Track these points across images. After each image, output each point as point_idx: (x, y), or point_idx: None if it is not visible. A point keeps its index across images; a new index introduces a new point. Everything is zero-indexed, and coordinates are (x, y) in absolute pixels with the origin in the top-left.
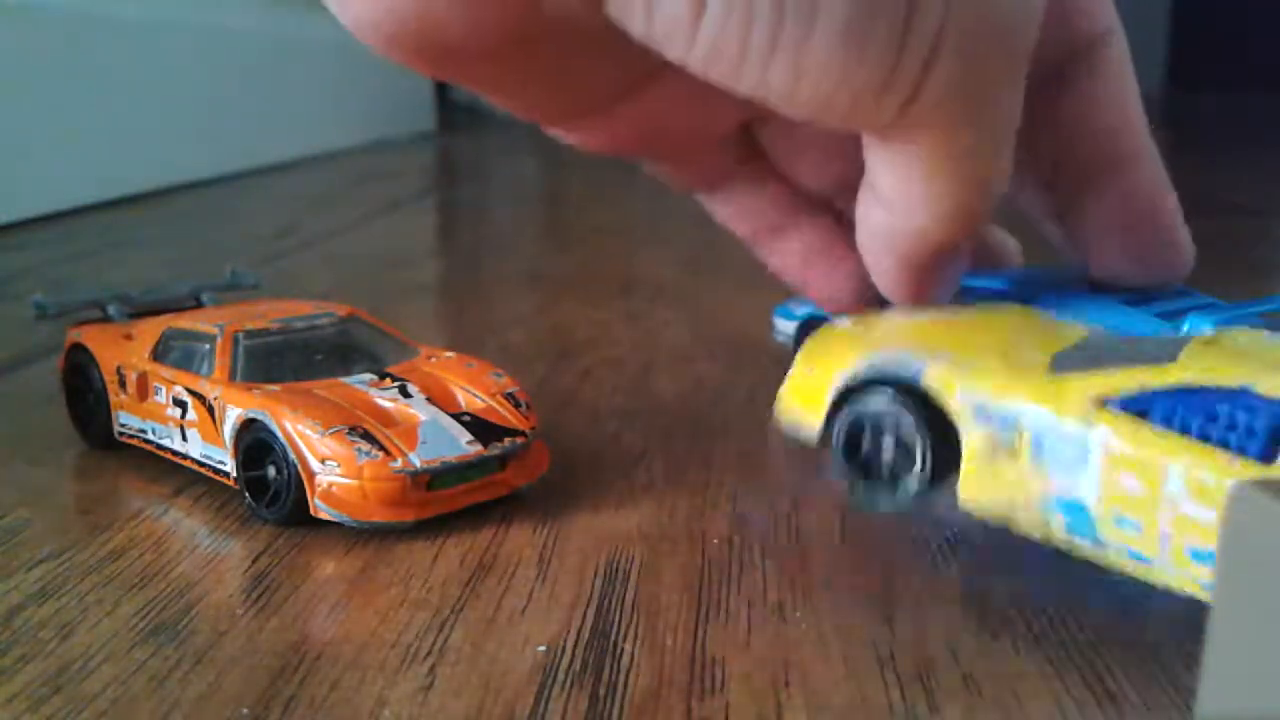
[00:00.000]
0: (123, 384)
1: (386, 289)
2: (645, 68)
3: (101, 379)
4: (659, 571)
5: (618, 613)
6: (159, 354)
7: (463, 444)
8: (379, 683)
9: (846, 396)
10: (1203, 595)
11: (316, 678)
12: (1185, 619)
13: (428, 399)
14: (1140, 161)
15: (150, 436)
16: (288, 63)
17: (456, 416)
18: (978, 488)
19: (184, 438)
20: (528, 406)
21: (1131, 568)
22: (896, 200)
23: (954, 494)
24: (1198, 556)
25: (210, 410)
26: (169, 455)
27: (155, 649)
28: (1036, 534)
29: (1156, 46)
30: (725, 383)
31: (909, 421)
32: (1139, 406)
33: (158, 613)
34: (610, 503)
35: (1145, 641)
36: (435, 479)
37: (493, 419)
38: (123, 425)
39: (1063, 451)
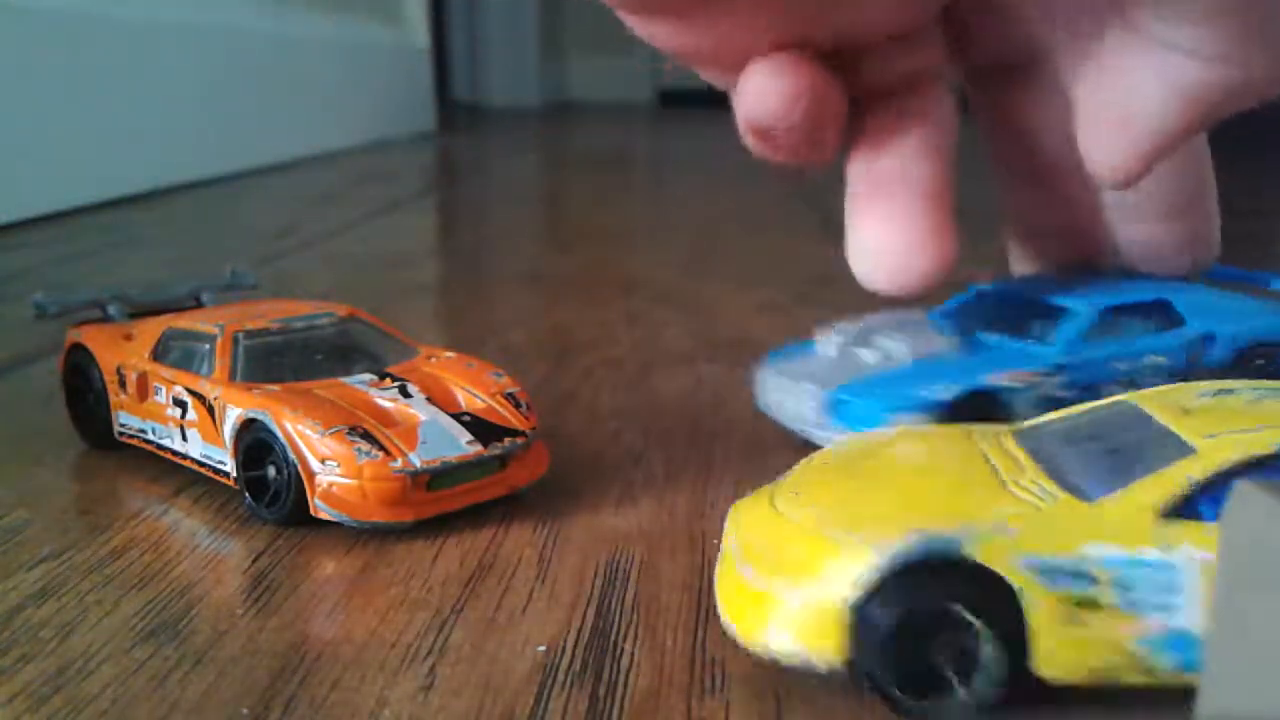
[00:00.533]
0: (123, 384)
1: (386, 289)
2: None
3: (101, 379)
4: (659, 571)
5: (618, 613)
6: (159, 354)
7: (463, 444)
8: (379, 683)
9: (865, 603)
10: None
11: (316, 678)
12: None
13: (428, 399)
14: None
15: (150, 436)
16: (288, 63)
17: (456, 416)
18: (1063, 654)
19: (184, 438)
20: (528, 406)
21: None
22: (1208, 44)
23: (1030, 671)
24: None
25: (210, 410)
26: (169, 455)
27: (155, 649)
28: (1143, 680)
29: None
30: (725, 383)
31: (966, 611)
32: (1192, 508)
33: (158, 613)
34: (610, 503)
35: None
36: (435, 479)
37: (493, 419)
38: (123, 425)
39: (1150, 585)
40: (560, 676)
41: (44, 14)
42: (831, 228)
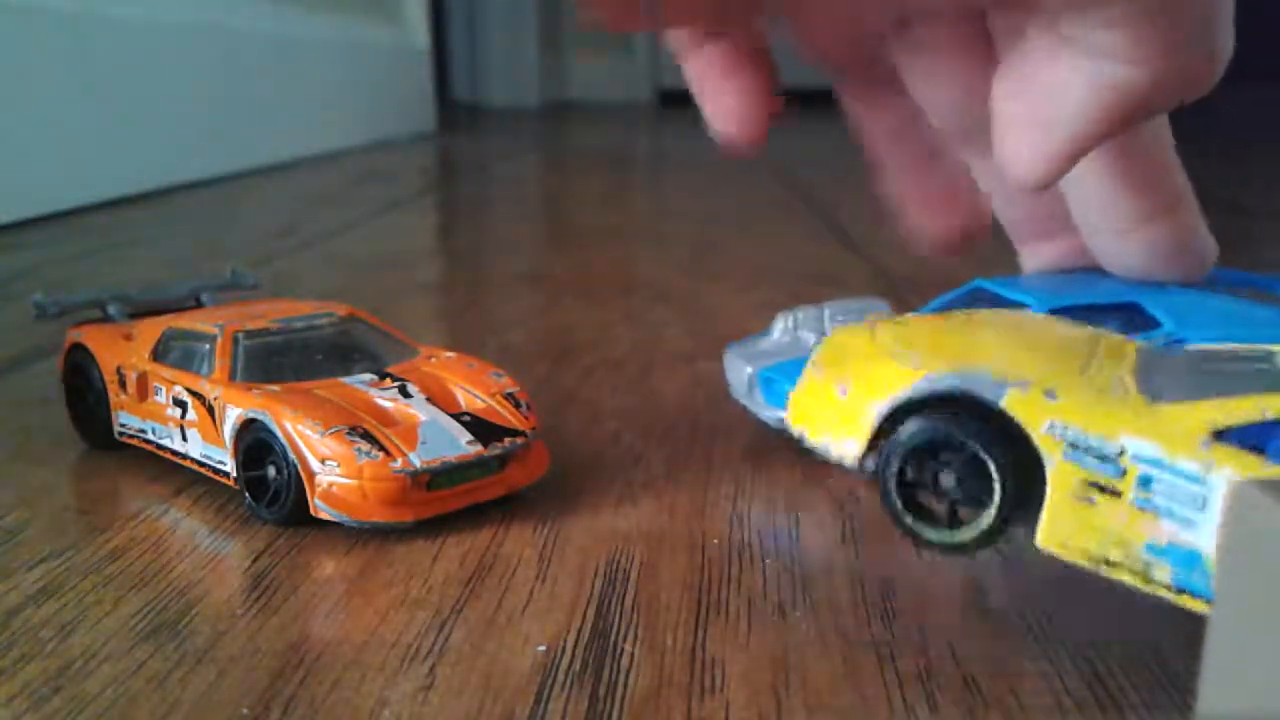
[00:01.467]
0: (123, 384)
1: (386, 289)
2: None
3: (101, 379)
4: (659, 571)
5: (618, 613)
6: (159, 354)
7: (463, 444)
8: (379, 683)
9: (899, 417)
10: None
11: (316, 678)
12: (1185, 619)
13: (428, 399)
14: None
15: (150, 436)
16: (288, 63)
17: (456, 416)
18: (1067, 530)
19: (184, 438)
20: (528, 407)
21: None
22: (1124, 47)
23: (1031, 535)
24: None
25: (210, 410)
26: (169, 455)
27: (155, 649)
28: (1133, 582)
29: None
30: (725, 383)
31: (987, 451)
32: (1255, 439)
33: (158, 613)
34: (610, 503)
35: (1145, 641)
36: (435, 479)
37: (493, 419)
38: (123, 425)
39: (1176, 493)
40: (560, 676)
41: (44, 14)
42: (832, 228)
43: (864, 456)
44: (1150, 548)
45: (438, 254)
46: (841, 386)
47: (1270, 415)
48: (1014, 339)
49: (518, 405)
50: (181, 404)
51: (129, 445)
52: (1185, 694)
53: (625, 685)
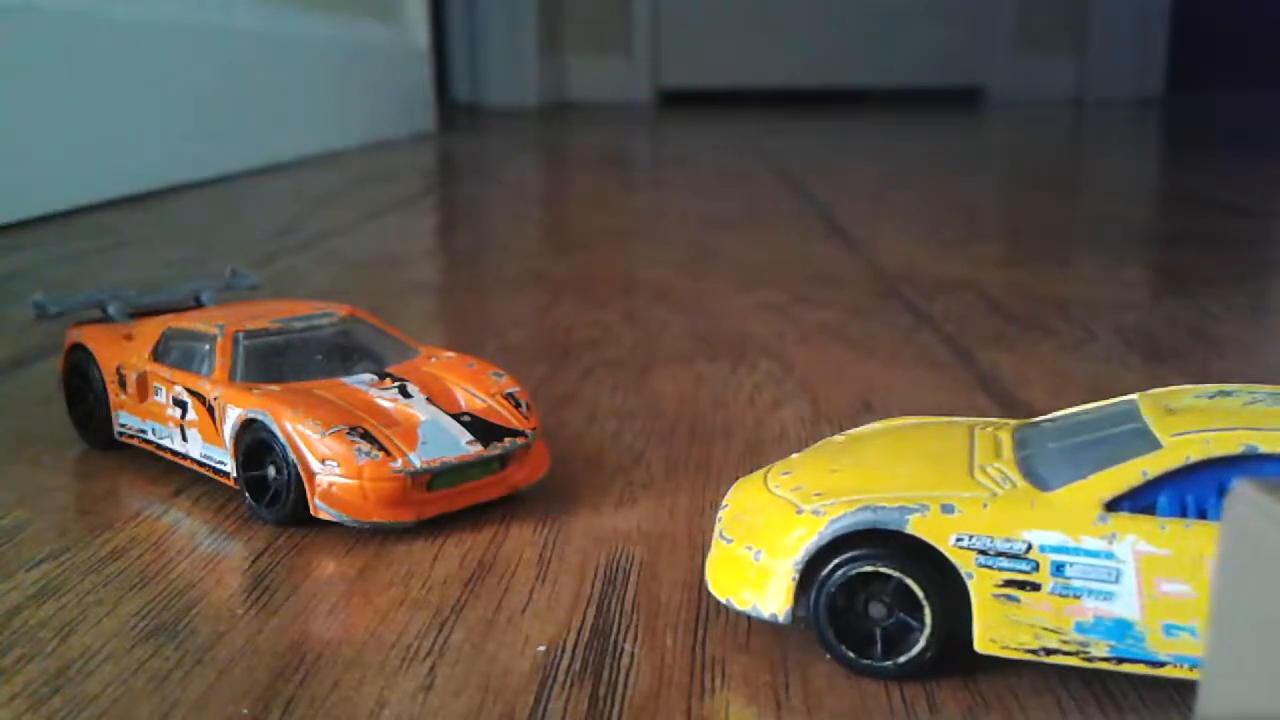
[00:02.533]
0: (123, 384)
1: (386, 289)
2: None
3: (101, 379)
4: (659, 571)
5: (618, 613)
6: (159, 354)
7: (463, 444)
8: (379, 683)
9: (814, 563)
10: None
11: (316, 678)
12: None
13: (428, 399)
14: None
15: (150, 436)
16: (288, 63)
17: (456, 417)
18: (1000, 631)
19: (184, 438)
20: (528, 407)
21: (1191, 675)
22: None
23: (969, 644)
24: None
25: (210, 410)
26: (169, 455)
27: (155, 649)
28: (1076, 663)
29: (1157, 47)
30: (725, 383)
31: (907, 580)
32: (1145, 502)
33: (158, 613)
34: (610, 503)
35: None
36: (435, 479)
37: (493, 419)
38: (123, 425)
39: (1090, 572)
40: (560, 676)
41: (44, 14)
42: (832, 228)
43: (795, 609)
44: (1080, 627)
45: (438, 254)
46: (755, 552)
47: (1149, 475)
48: (898, 457)
49: (518, 405)
50: (181, 404)
51: (129, 445)
52: (1185, 694)
53: (625, 685)
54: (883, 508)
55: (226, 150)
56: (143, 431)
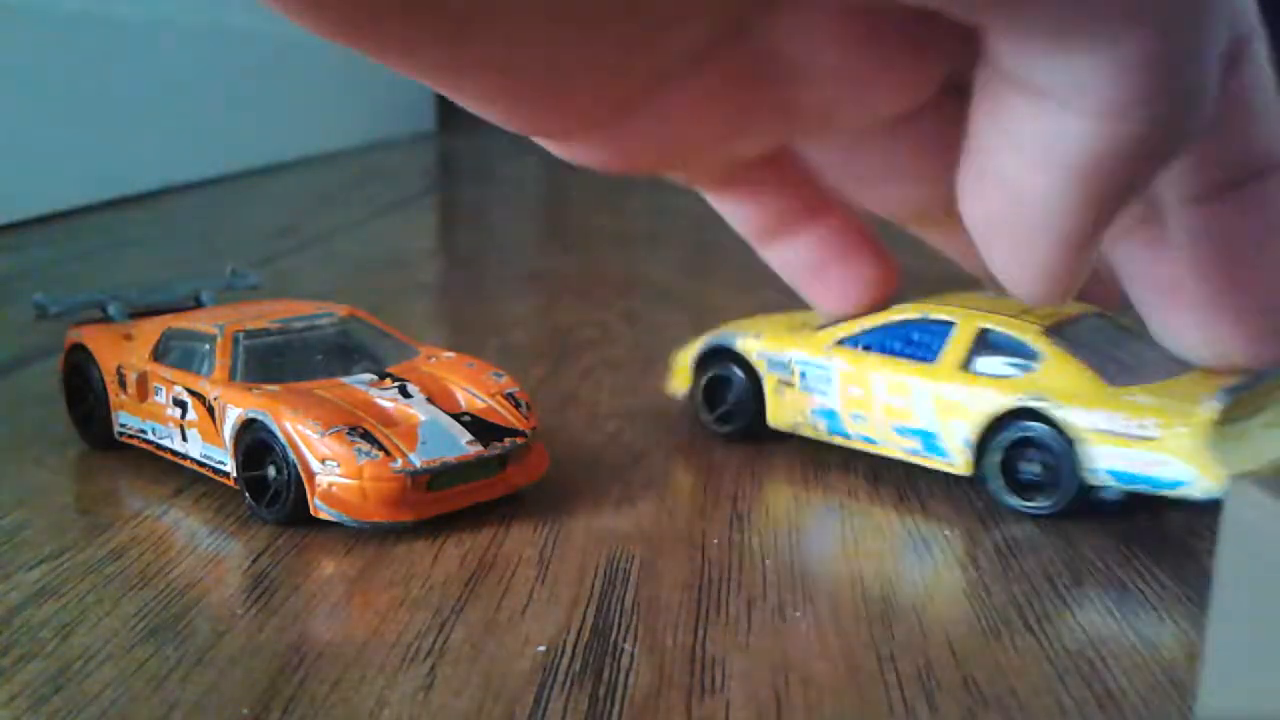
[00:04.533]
0: (123, 384)
1: (386, 289)
2: (666, 63)
3: (101, 379)
4: (659, 571)
5: (618, 613)
6: (159, 354)
7: (463, 444)
8: (379, 683)
9: (701, 365)
10: (907, 458)
11: (316, 678)
12: (1185, 617)
13: (428, 399)
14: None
15: (150, 436)
16: (288, 63)
17: (456, 416)
18: (775, 412)
19: (184, 438)
20: (528, 407)
21: (863, 447)
22: (1098, 98)
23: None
24: (900, 431)
25: (210, 410)
26: (169, 455)
27: (155, 649)
28: (811, 435)
29: None
30: None
31: (738, 374)
32: (859, 341)
33: (158, 613)
34: (610, 503)
35: (1145, 641)
36: (435, 479)
37: (493, 419)
38: (123, 425)
39: (817, 378)
40: (560, 676)
41: (44, 14)
42: None
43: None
44: (813, 412)
45: (438, 254)
46: (681, 355)
47: (864, 326)
48: (777, 320)
49: (518, 405)
50: (181, 404)
51: (129, 445)
52: (1185, 694)
53: (625, 685)
54: (728, 333)
55: (226, 150)
56: (143, 431)
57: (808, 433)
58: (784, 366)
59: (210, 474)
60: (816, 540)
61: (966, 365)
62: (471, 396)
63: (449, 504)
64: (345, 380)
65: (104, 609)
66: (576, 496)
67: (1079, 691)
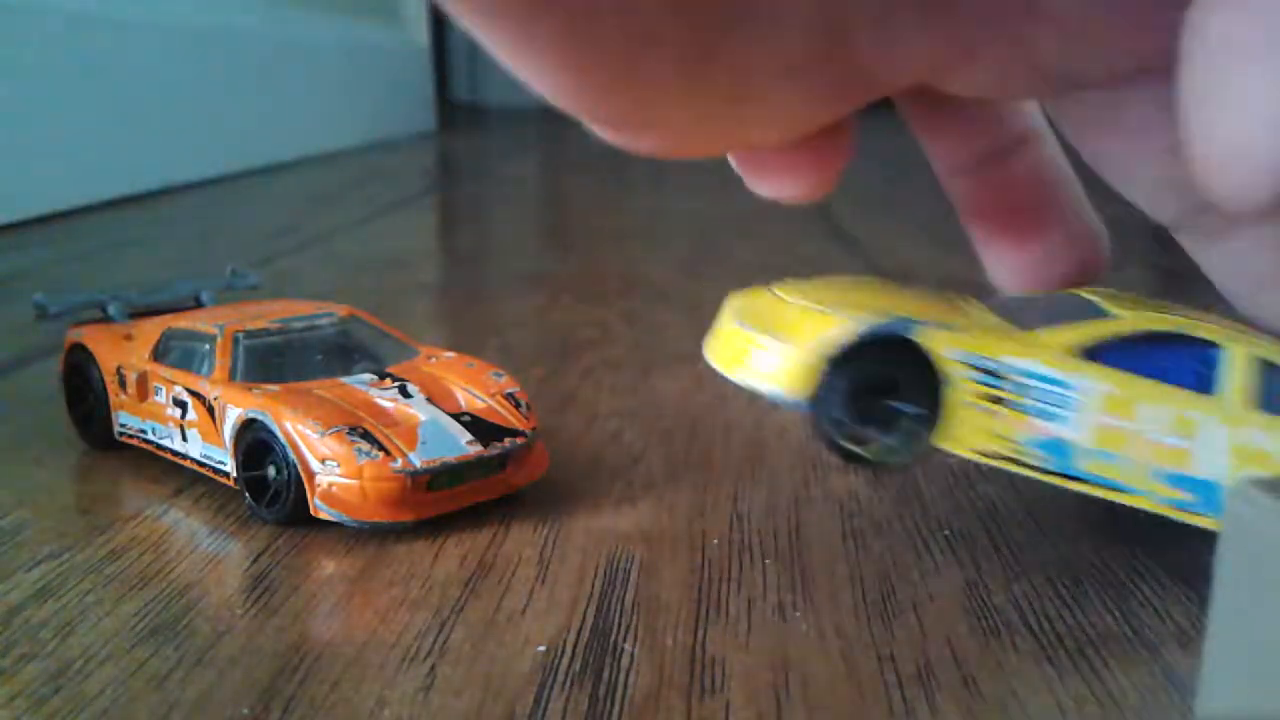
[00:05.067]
0: (123, 384)
1: (386, 289)
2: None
3: (101, 379)
4: (659, 571)
5: (618, 613)
6: (159, 354)
7: (463, 444)
8: (379, 683)
9: (836, 360)
10: (1169, 513)
11: (316, 678)
12: (1185, 617)
13: (428, 399)
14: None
15: (150, 436)
16: (288, 63)
17: (456, 416)
18: (964, 432)
19: (184, 438)
20: (528, 407)
21: (1101, 494)
22: None
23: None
24: (1171, 480)
25: (210, 410)
26: (169, 455)
27: (155, 649)
28: (1012, 469)
29: None
30: (725, 383)
31: (912, 377)
32: (1101, 353)
33: (158, 613)
34: (610, 503)
35: (1145, 641)
36: (435, 479)
37: (493, 419)
38: (123, 425)
39: (1048, 397)
40: (560, 676)
41: (44, 14)
42: (831, 228)
43: (809, 397)
44: (1033, 441)
45: (438, 254)
46: (775, 338)
47: (1110, 333)
48: (896, 294)
49: (518, 405)
50: (181, 404)
51: (129, 445)
52: (1185, 694)
53: (625, 685)
54: (899, 318)
55: (226, 150)
56: (143, 431)
57: (1012, 466)
58: (996, 376)
59: (210, 474)
60: (817, 540)
61: (1262, 404)
62: (471, 396)
63: (449, 504)
64: (345, 380)
65: (104, 609)
66: (576, 496)
67: (1079, 691)
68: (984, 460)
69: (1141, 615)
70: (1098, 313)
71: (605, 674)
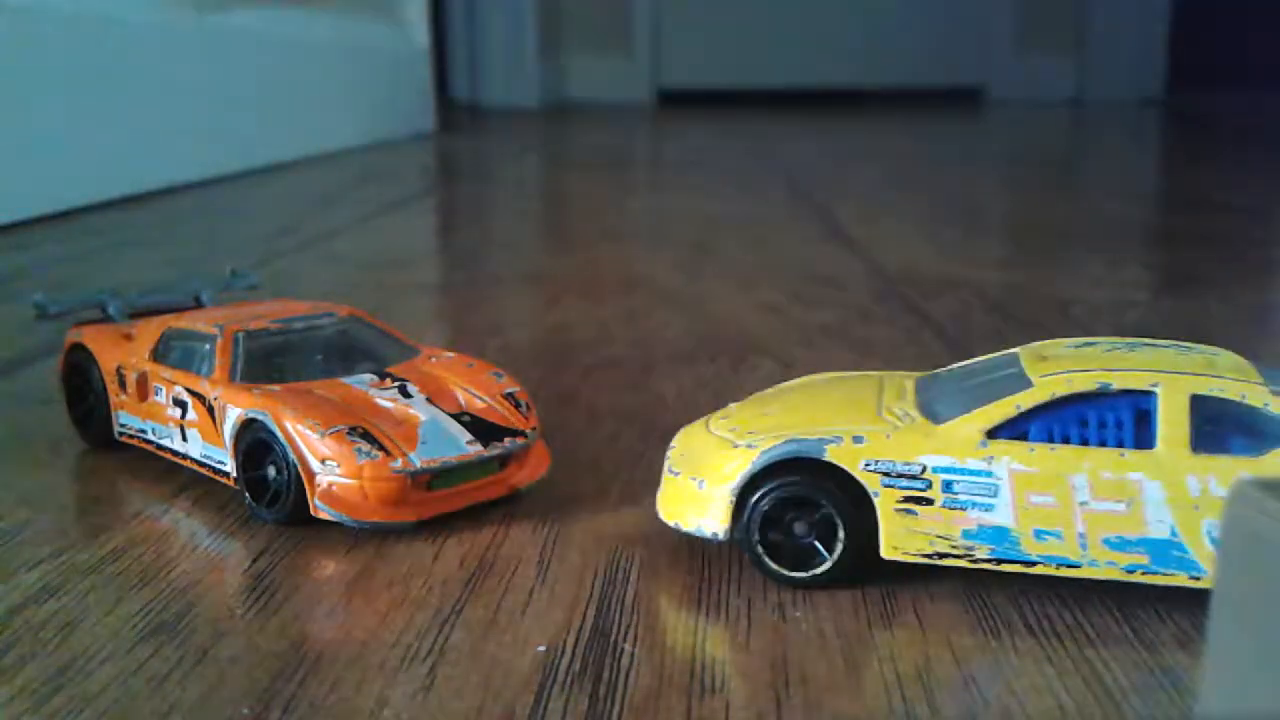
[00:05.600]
0: (123, 384)
1: (386, 289)
2: None
3: (101, 379)
4: (659, 571)
5: (618, 613)
6: (159, 354)
7: (463, 444)
8: (379, 683)
9: (748, 489)
10: (1124, 578)
11: (316, 678)
12: (1185, 617)
13: (428, 399)
14: None
15: (150, 436)
16: (288, 63)
17: (456, 416)
18: (901, 539)
19: (184, 438)
20: (528, 406)
21: (1052, 571)
22: None
23: (876, 550)
24: (1116, 545)
25: (210, 410)
26: (169, 455)
27: (155, 649)
28: (962, 564)
29: (1156, 46)
30: (725, 383)
31: (826, 500)
32: (1018, 430)
33: (158, 613)
34: (610, 503)
35: (1145, 641)
36: (435, 479)
37: (493, 419)
38: (123, 425)
39: (974, 488)
40: (560, 676)
41: (44, 14)
42: (831, 228)
43: (732, 529)
44: (966, 534)
45: (438, 254)
46: (698, 481)
47: (1021, 408)
48: (817, 402)
49: (518, 405)
50: (181, 404)
51: (129, 445)
52: (1185, 694)
53: (625, 685)
54: (805, 439)
55: (226, 150)
56: (143, 431)
57: (963, 563)
58: (914, 478)
59: (210, 474)
60: None
61: (1196, 446)
62: (471, 396)
63: (449, 504)
64: (345, 380)
65: (104, 609)
66: (576, 496)
67: (1079, 691)
68: (934, 563)
69: (1141, 615)
70: (1019, 382)
71: (605, 674)
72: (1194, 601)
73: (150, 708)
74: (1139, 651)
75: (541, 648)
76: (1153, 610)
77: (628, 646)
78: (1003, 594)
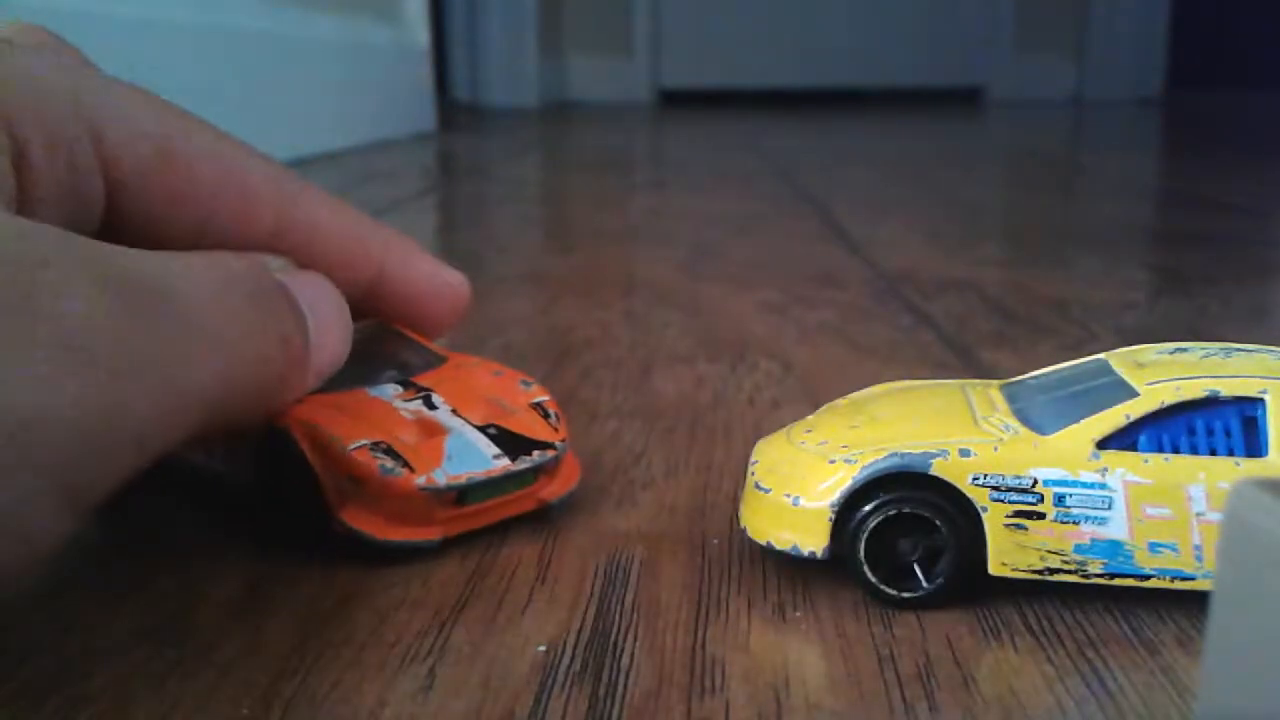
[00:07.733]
0: None
1: None
2: None
3: None
4: (659, 571)
5: (618, 613)
6: None
7: (489, 458)
8: (379, 683)
9: (849, 508)
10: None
11: (316, 678)
12: (1185, 618)
13: (453, 410)
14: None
15: None
16: (288, 63)
17: (483, 429)
18: (1010, 556)
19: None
20: (557, 417)
21: (1167, 585)
22: None
23: (983, 567)
24: None
25: None
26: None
27: (155, 649)
28: (1074, 579)
29: (1156, 46)
30: (725, 383)
31: (936, 515)
32: (1128, 440)
33: (158, 613)
34: (610, 503)
35: (1145, 641)
36: (462, 495)
37: (521, 431)
38: None
39: (1086, 501)
40: (560, 676)
41: (44, 14)
42: (831, 228)
43: (831, 547)
44: (1078, 548)
45: (438, 253)
46: (792, 497)
47: (1131, 418)
48: (907, 413)
49: (546, 416)
50: None
51: None
52: (1185, 694)
53: (625, 685)
54: (909, 453)
55: None
56: None
57: (1068, 578)
58: (1024, 491)
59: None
60: None
61: None
62: (498, 407)
63: (477, 520)
64: (370, 391)
65: (104, 609)
66: (576, 496)
67: (1079, 691)
68: (1045, 579)
69: (1141, 615)
70: (1121, 391)
71: (605, 674)
72: (1194, 601)
73: (150, 708)
74: (1139, 651)
75: (541, 648)
76: (1153, 610)
77: (628, 646)
78: (1003, 594)
